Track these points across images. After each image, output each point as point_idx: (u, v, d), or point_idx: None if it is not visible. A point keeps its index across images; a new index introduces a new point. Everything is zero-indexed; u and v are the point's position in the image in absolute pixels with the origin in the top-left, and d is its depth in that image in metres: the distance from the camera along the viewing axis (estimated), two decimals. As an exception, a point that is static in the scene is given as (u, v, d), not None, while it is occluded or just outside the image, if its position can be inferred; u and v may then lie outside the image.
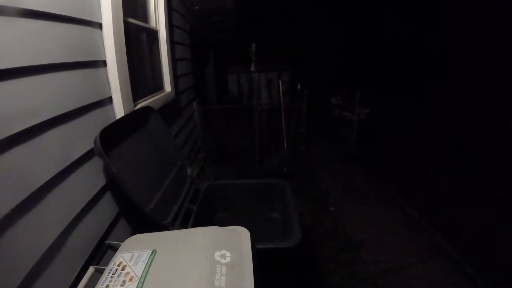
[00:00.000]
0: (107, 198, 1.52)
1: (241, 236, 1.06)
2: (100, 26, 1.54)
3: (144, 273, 0.90)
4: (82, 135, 1.34)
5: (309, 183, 4.14)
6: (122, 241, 1.12)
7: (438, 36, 7.58)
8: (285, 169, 4.39)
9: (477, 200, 3.42)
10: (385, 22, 8.69)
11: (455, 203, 3.45)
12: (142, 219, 1.42)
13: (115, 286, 0.88)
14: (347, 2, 9.32)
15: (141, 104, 2.03)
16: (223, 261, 0.92)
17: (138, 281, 0.87)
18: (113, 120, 1.59)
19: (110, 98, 1.63)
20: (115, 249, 1.24)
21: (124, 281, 0.89)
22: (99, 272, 1.15)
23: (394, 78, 8.06)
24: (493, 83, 6.31)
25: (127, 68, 1.72)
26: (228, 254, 0.95)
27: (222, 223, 1.13)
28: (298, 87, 4.71)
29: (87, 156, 1.35)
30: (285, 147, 4.77)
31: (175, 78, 3.14)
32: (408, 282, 2.35)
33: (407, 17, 8.20)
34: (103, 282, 0.91)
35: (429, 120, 6.43)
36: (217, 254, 0.94)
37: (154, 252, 0.98)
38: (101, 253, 1.30)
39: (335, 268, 2.48)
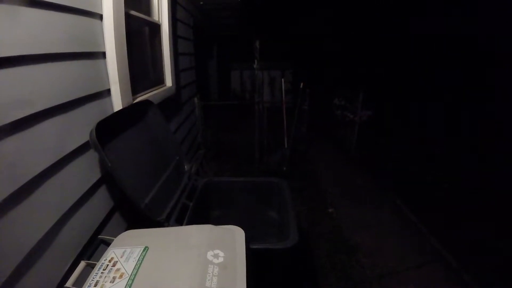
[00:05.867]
0: (102, 192, 1.50)
1: (235, 235, 1.04)
2: (100, 17, 1.52)
3: (135, 271, 0.88)
4: (79, 127, 1.32)
5: (308, 183, 4.12)
6: (116, 236, 1.11)
7: (440, 37, 7.54)
8: (284, 168, 4.37)
9: (475, 206, 3.40)
10: (389, 23, 8.64)
11: (453, 209, 3.43)
12: (137, 215, 1.41)
13: (105, 282, 0.87)
14: (352, 3, 9.26)
15: (140, 98, 2.01)
16: (215, 261, 0.90)
17: (128, 278, 0.86)
18: (110, 113, 1.57)
19: (109, 91, 1.60)
20: (107, 244, 1.23)
21: (114, 278, 0.87)
22: (90, 267, 1.14)
23: (396, 80, 8.03)
24: (494, 84, 6.27)
25: (126, 60, 1.70)
26: (221, 254, 0.93)
27: (218, 221, 1.12)
28: (301, 86, 4.68)
29: (82, 149, 1.33)
30: (286, 146, 4.75)
31: (177, 72, 3.12)
32: (404, 287, 2.34)
33: (410, 18, 8.16)
34: (93, 278, 0.90)
35: (429, 124, 6.40)
36: (210, 254, 0.92)
37: (146, 249, 0.96)
38: (93, 248, 1.28)
39: (330, 270, 2.47)
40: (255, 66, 4.30)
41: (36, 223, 1.03)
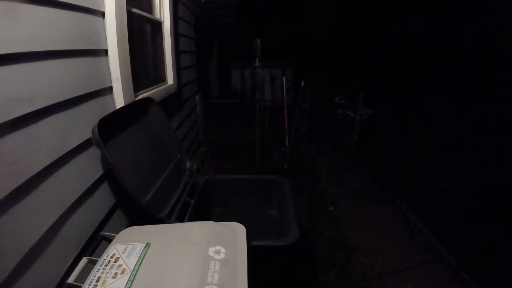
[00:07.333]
0: (104, 189, 1.50)
1: (236, 232, 1.05)
2: (102, 14, 1.52)
3: (137, 266, 0.88)
4: (80, 124, 1.32)
5: (309, 181, 4.12)
6: (118, 232, 1.11)
7: (438, 37, 7.52)
8: (285, 167, 4.37)
9: (475, 205, 3.40)
10: (389, 23, 8.64)
11: (452, 208, 3.43)
12: (138, 211, 1.41)
13: (107, 278, 0.87)
14: (353, 2, 9.24)
15: (142, 95, 2.01)
16: (217, 257, 0.90)
17: (130, 274, 0.86)
18: (112, 110, 1.58)
19: (111, 88, 1.61)
20: (109, 240, 1.23)
21: (116, 274, 0.88)
22: (92, 263, 1.14)
23: (397, 79, 8.01)
24: (493, 83, 6.24)
25: (128, 58, 1.70)
26: (222, 250, 0.93)
27: (219, 218, 1.12)
28: (302, 84, 4.68)
29: (84, 146, 1.33)
30: (287, 145, 4.74)
31: (178, 70, 3.12)
32: (403, 286, 2.34)
33: (410, 18, 8.15)
34: (95, 274, 0.90)
35: (429, 122, 6.39)
36: (211, 250, 0.92)
37: (147, 245, 0.97)
38: (95, 244, 1.28)
39: (330, 269, 2.47)
40: (256, 64, 4.29)
41: (38, 220, 1.04)
